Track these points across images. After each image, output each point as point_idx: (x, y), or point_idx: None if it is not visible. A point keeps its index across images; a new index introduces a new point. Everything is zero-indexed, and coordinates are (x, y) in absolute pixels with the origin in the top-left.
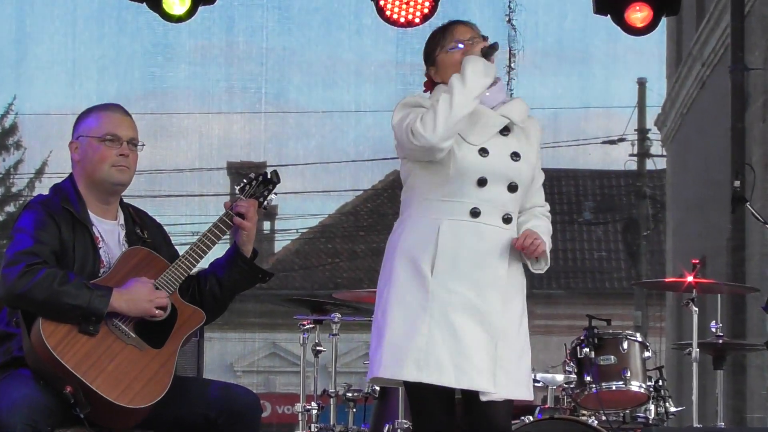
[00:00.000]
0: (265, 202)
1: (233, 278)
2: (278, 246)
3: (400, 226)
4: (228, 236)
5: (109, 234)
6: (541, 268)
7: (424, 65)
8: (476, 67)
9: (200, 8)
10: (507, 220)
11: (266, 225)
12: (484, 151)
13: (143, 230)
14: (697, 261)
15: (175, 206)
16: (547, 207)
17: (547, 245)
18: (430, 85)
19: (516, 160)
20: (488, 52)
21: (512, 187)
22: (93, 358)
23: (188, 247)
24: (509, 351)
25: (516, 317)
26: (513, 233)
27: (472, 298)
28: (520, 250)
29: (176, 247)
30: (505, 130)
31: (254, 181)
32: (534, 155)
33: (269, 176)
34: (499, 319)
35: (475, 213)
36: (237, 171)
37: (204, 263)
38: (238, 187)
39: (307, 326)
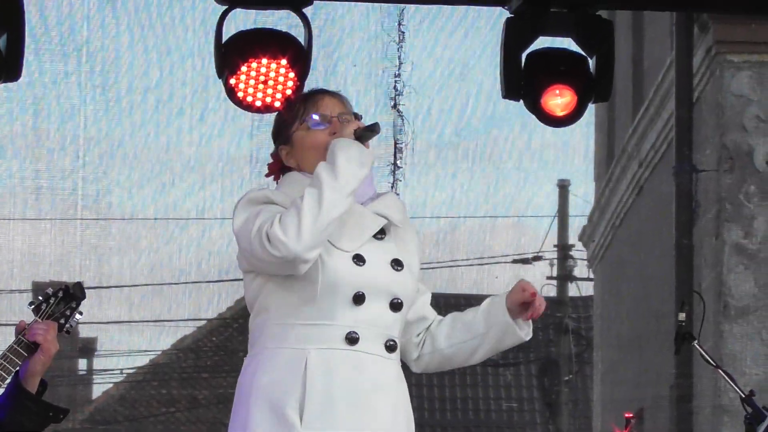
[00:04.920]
0: (68, 324)
1: (17, 421)
2: (97, 390)
3: (253, 361)
4: None
5: None
6: (528, 332)
7: (272, 142)
8: (350, 154)
9: (0, 86)
10: (391, 347)
11: (82, 363)
12: (359, 259)
13: None
14: (632, 414)
15: None
16: None
17: None
18: (278, 170)
19: (398, 270)
20: (363, 135)
21: (396, 305)
22: None
23: None
24: None
25: None
26: (397, 364)
27: None
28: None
29: None
30: (381, 233)
31: (52, 298)
32: (416, 265)
33: (71, 290)
34: None
35: (351, 339)
36: (42, 292)
37: None
38: (32, 307)
39: None
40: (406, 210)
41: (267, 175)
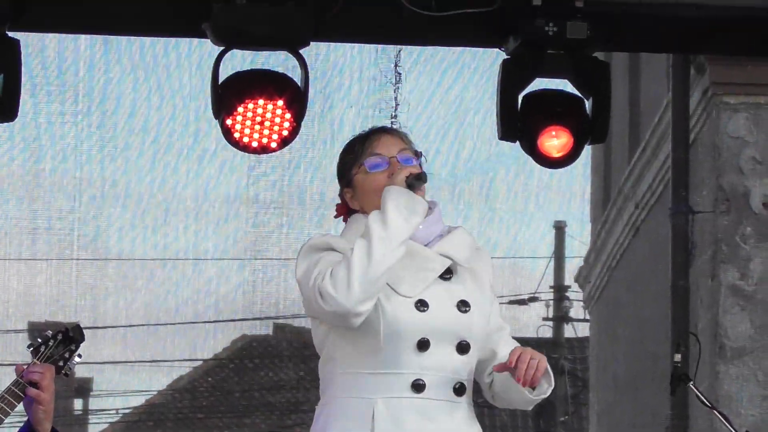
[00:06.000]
0: (66, 367)
1: None
2: (93, 430)
3: (324, 410)
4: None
5: None
6: (544, 391)
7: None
8: (400, 203)
9: None
10: (459, 390)
11: (78, 403)
12: (422, 304)
13: None
14: None
15: None
16: None
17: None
18: (345, 212)
19: (465, 311)
20: (413, 183)
21: (463, 347)
22: None
23: None
24: None
25: None
26: (467, 406)
27: None
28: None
29: None
30: (447, 273)
31: (51, 341)
32: (487, 300)
33: (70, 333)
34: None
35: (418, 386)
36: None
37: None
38: (30, 349)
39: None
40: (474, 243)
41: (336, 216)
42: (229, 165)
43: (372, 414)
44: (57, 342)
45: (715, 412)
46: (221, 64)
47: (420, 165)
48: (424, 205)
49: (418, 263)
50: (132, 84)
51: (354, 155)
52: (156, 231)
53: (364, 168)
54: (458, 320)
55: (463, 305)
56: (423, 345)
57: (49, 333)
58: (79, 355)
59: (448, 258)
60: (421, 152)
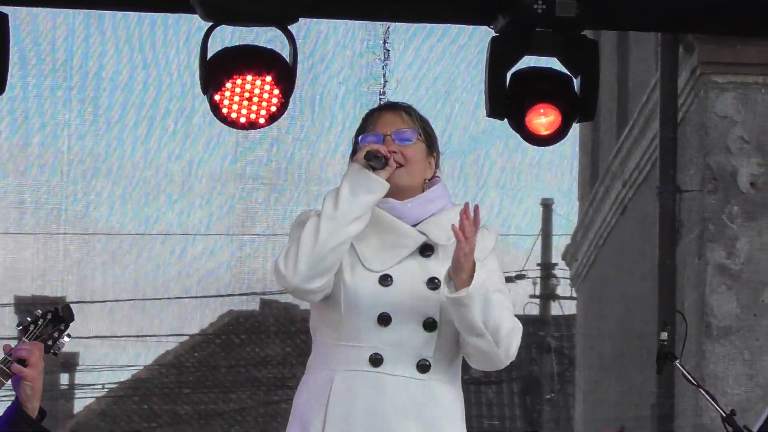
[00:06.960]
0: (55, 346)
1: None
2: (78, 405)
3: (302, 380)
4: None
5: None
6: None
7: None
8: (353, 181)
9: None
10: (423, 367)
11: (63, 378)
12: (386, 279)
13: None
14: None
15: None
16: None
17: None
18: None
19: (434, 288)
20: (371, 161)
21: (429, 325)
22: None
23: None
24: None
25: None
26: (432, 384)
27: None
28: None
29: None
30: (428, 251)
31: (40, 320)
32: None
33: (59, 313)
34: None
35: (375, 360)
36: (27, 309)
37: None
38: (20, 328)
39: None
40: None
41: None
42: (217, 141)
43: (330, 386)
44: (46, 321)
45: (701, 390)
46: (210, 39)
47: (426, 141)
48: (381, 183)
49: (392, 239)
50: (121, 59)
51: (360, 129)
52: (143, 206)
53: (359, 144)
54: (425, 297)
55: (431, 282)
56: (384, 320)
57: (39, 312)
58: (69, 335)
59: (425, 235)
60: (418, 132)
